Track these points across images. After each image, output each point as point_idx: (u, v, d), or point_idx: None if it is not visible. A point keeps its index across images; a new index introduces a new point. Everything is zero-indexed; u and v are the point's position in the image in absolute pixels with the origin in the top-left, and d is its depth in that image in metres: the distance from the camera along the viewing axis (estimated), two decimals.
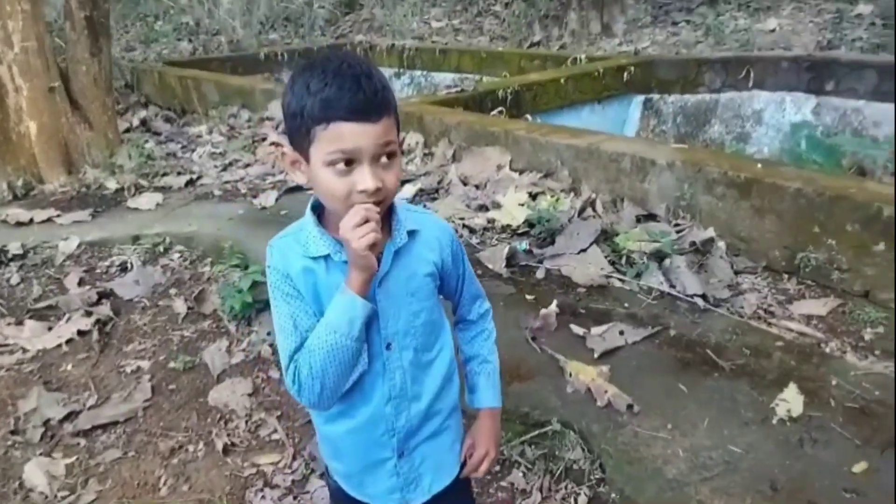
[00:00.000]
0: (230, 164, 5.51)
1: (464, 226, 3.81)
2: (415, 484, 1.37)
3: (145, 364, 3.06)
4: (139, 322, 3.36)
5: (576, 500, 2.10)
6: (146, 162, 5.34)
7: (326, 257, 1.22)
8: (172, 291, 3.59)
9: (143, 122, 7.03)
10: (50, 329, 3.28)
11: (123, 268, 3.85)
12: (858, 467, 1.98)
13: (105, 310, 3.39)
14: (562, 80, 6.12)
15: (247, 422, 2.67)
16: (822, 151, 5.24)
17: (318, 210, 1.26)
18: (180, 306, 3.43)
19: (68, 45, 5.38)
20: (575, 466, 2.16)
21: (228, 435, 2.60)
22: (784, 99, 6.34)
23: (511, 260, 3.38)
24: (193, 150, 5.94)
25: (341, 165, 1.11)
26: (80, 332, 3.23)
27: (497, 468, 2.26)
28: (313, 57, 1.20)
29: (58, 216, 4.44)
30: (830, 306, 2.90)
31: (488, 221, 3.86)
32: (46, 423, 2.70)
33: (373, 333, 1.25)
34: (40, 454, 2.55)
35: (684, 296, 3.00)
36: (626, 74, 6.60)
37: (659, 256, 3.25)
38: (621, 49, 7.92)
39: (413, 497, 1.38)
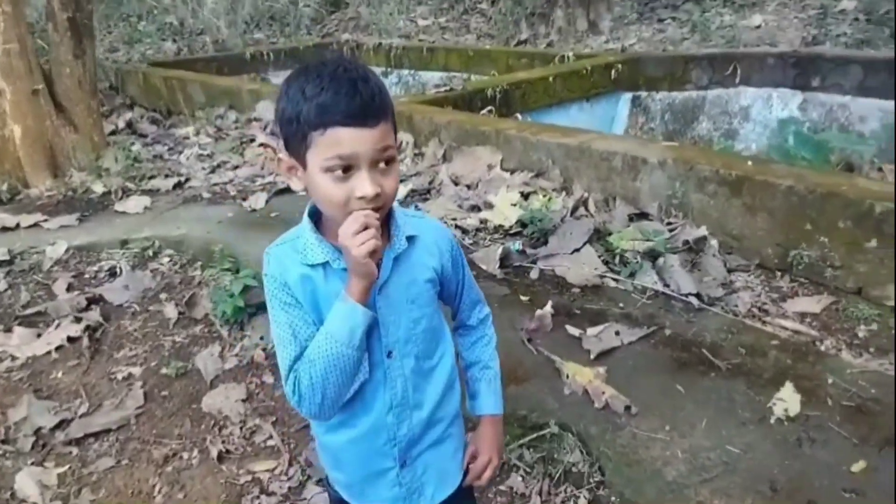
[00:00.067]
0: (218, 165, 5.47)
1: (456, 226, 3.80)
2: (417, 493, 1.35)
3: (137, 370, 3.02)
4: (130, 328, 3.32)
5: None
6: (133, 164, 5.28)
7: (325, 265, 1.20)
8: (163, 296, 3.55)
9: (129, 124, 6.95)
10: (39, 336, 3.24)
11: (112, 273, 3.80)
12: (857, 466, 1.98)
13: (95, 315, 3.35)
14: (550, 79, 6.12)
15: (241, 428, 2.64)
16: (810, 147, 5.27)
17: (316, 216, 1.24)
18: (171, 311, 3.40)
19: (51, 46, 5.31)
20: (574, 469, 2.15)
21: (223, 442, 2.57)
22: (771, 95, 6.38)
23: (504, 261, 3.37)
24: (181, 152, 5.88)
25: (339, 171, 1.10)
26: (69, 339, 3.19)
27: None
28: (307, 61, 1.18)
29: (44, 221, 4.39)
30: (824, 304, 2.91)
31: (480, 222, 3.85)
32: (37, 431, 2.66)
33: (373, 341, 1.23)
34: (32, 463, 2.51)
35: (678, 295, 3.00)
36: (613, 72, 6.60)
37: (652, 255, 3.25)
38: (608, 46, 7.94)
39: None
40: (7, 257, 3.90)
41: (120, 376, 2.98)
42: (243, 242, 3.76)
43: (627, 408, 2.28)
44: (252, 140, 5.87)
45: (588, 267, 3.25)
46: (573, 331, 2.76)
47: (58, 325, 3.28)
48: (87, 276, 3.80)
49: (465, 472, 1.45)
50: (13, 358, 3.11)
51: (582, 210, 3.83)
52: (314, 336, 1.17)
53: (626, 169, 3.77)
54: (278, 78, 8.88)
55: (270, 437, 2.59)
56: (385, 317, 1.23)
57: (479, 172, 4.42)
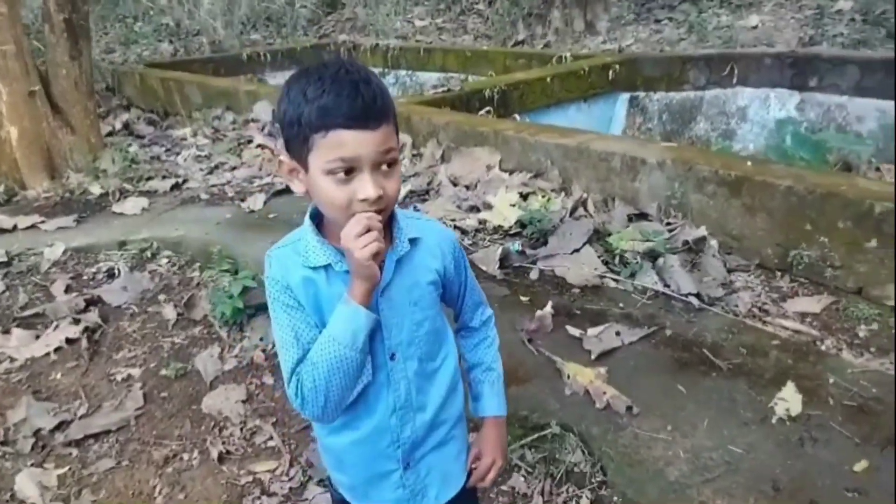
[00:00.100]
0: (216, 167, 5.46)
1: (455, 227, 3.79)
2: (421, 495, 1.35)
3: (136, 372, 3.01)
4: (128, 329, 3.32)
5: None
6: (130, 166, 5.27)
7: (327, 267, 1.19)
8: (161, 297, 3.54)
9: (126, 126, 6.94)
10: (37, 337, 3.23)
11: (110, 274, 3.79)
12: (859, 466, 1.98)
13: (93, 317, 3.34)
14: (548, 79, 6.13)
15: (241, 429, 2.64)
16: (808, 147, 5.28)
17: (317, 219, 1.23)
18: (170, 312, 3.39)
19: (47, 48, 5.30)
20: (576, 469, 2.15)
21: (223, 442, 2.57)
22: (768, 95, 6.39)
23: (504, 261, 3.36)
24: (178, 154, 5.87)
25: (341, 174, 1.09)
26: (68, 340, 3.18)
27: None
28: (304, 61, 1.18)
29: (42, 222, 4.38)
30: (824, 303, 2.91)
31: (480, 222, 3.85)
32: (37, 433, 2.65)
33: (376, 344, 1.22)
34: (31, 465, 2.50)
35: (679, 295, 3.00)
36: (611, 72, 6.61)
37: (652, 256, 3.25)
38: (605, 47, 7.94)
39: None
40: (5, 259, 3.88)
41: (119, 377, 2.98)
42: (242, 243, 3.75)
43: (629, 408, 2.28)
44: (250, 141, 5.86)
45: (588, 267, 3.25)
46: (573, 331, 2.76)
47: (56, 327, 3.27)
48: (85, 277, 3.79)
49: (469, 474, 1.44)
50: (11, 359, 3.10)
51: (581, 210, 3.83)
52: (317, 339, 1.16)
53: (625, 169, 3.77)
54: (275, 79, 8.87)
55: (271, 437, 2.58)
56: (388, 319, 1.22)
57: (477, 173, 4.42)
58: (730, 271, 3.21)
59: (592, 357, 2.58)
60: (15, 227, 4.30)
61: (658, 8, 8.51)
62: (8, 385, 2.95)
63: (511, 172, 4.35)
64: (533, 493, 2.16)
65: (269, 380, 2.88)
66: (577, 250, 3.38)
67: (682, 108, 6.79)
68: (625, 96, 6.89)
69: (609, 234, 3.47)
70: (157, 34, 10.65)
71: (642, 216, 3.69)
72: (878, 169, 5.02)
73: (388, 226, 1.23)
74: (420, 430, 1.30)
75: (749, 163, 3.44)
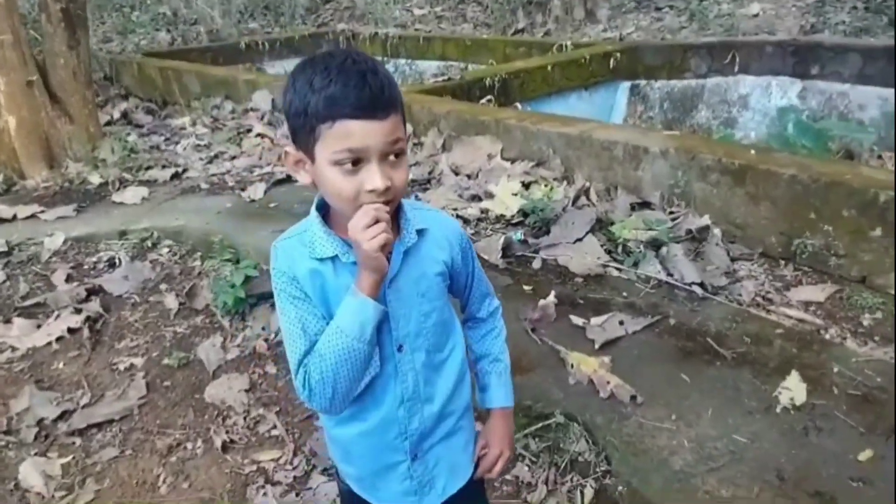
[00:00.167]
0: (216, 156, 5.44)
1: (457, 216, 3.78)
2: (429, 486, 1.34)
3: (138, 361, 3.01)
4: (130, 318, 3.31)
5: (582, 493, 2.09)
6: (129, 155, 5.25)
7: (334, 258, 1.18)
8: (163, 287, 3.53)
9: (124, 115, 6.91)
10: (39, 327, 3.22)
11: (111, 263, 3.78)
12: (864, 455, 1.98)
13: (95, 306, 3.33)
14: (549, 68, 6.10)
15: (245, 418, 2.64)
16: (810, 136, 5.26)
17: (324, 210, 1.22)
18: (172, 302, 3.38)
19: (45, 37, 5.26)
20: (580, 459, 2.15)
21: (227, 432, 2.57)
22: (770, 83, 6.36)
23: (507, 250, 3.36)
24: (177, 143, 5.85)
25: (348, 165, 1.08)
26: (70, 330, 3.17)
27: None
28: (303, 50, 1.16)
29: (42, 212, 4.37)
30: (828, 292, 2.90)
31: (482, 212, 3.84)
32: (40, 422, 2.66)
33: (384, 335, 1.21)
34: (35, 454, 2.51)
35: (682, 284, 2.99)
36: (612, 61, 6.58)
37: (655, 245, 3.25)
38: (606, 35, 7.91)
39: (427, 500, 1.35)
40: (5, 248, 3.88)
41: (122, 367, 2.98)
42: (242, 233, 3.74)
43: (633, 397, 2.28)
44: (249, 130, 5.84)
45: (591, 256, 3.24)
46: (577, 320, 2.75)
47: (58, 316, 3.26)
48: (85, 267, 3.78)
49: (476, 465, 1.44)
50: (13, 349, 3.10)
51: (583, 199, 3.82)
52: (324, 330, 1.15)
53: (627, 158, 3.75)
54: (274, 68, 8.83)
55: (274, 426, 2.58)
56: (395, 311, 1.22)
57: (479, 162, 4.41)
58: (733, 260, 3.20)
59: (596, 346, 2.57)
60: (15, 217, 4.29)
61: None
62: (10, 374, 2.95)
63: (513, 161, 4.33)
64: (537, 483, 2.16)
65: (271, 369, 2.87)
66: (579, 239, 3.37)
67: (683, 96, 6.77)
68: (626, 84, 6.86)
69: (612, 223, 3.46)
70: (154, 23, 10.59)
71: (645, 205, 3.68)
72: (879, 157, 5.01)
73: (396, 217, 1.22)
74: (428, 421, 1.30)
75: (752, 151, 3.43)
